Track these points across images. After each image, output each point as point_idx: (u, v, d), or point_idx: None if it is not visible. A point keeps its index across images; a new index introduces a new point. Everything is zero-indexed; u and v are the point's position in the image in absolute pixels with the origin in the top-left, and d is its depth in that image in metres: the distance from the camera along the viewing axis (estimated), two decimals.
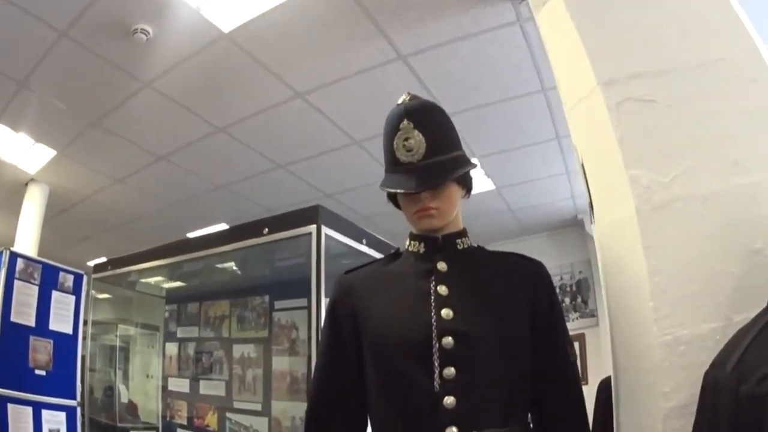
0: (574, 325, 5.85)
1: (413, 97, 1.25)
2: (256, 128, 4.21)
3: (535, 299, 1.25)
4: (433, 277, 1.23)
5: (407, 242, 1.33)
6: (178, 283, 3.66)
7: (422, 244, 1.28)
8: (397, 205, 1.33)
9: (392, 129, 1.22)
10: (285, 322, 2.85)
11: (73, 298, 3.85)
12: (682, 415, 1.07)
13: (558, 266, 6.10)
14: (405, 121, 1.20)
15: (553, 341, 1.26)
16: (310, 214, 2.35)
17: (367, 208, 5.41)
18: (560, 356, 1.27)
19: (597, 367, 5.49)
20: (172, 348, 3.44)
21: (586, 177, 1.43)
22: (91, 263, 6.10)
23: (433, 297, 1.20)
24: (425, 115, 1.23)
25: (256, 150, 4.55)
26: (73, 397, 3.84)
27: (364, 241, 2.68)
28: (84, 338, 3.88)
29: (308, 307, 2.68)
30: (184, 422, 3.27)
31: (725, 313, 1.10)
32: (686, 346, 1.10)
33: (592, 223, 1.50)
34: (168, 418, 3.39)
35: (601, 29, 1.32)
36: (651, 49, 1.27)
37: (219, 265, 3.28)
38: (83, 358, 3.89)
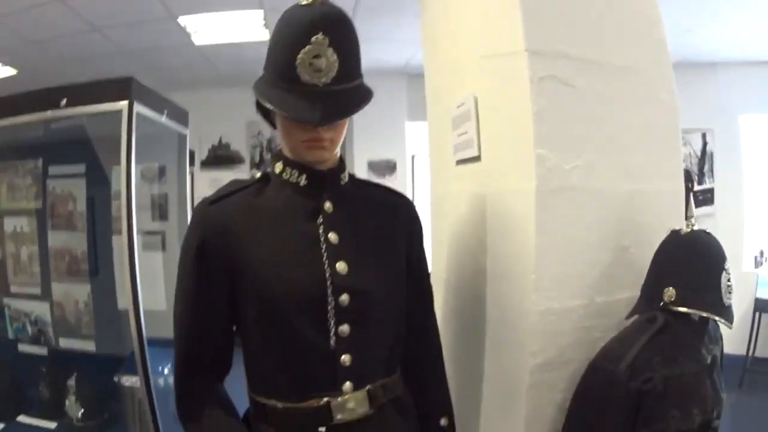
0: None
1: (325, 1, 1.02)
2: None
3: (409, 242, 1.24)
4: (321, 220, 1.11)
5: (278, 166, 1.15)
6: None
7: (304, 177, 1.12)
8: (265, 116, 1.15)
9: (298, 39, 0.99)
10: (61, 191, 2.49)
11: None
12: (544, 370, 1.25)
13: None
14: (320, 35, 0.98)
15: (420, 281, 1.28)
16: (122, 89, 1.94)
17: None
18: (425, 295, 1.30)
19: None
20: None
21: (478, 125, 1.42)
22: None
23: (324, 246, 1.10)
24: (344, 31, 1.03)
25: None
26: None
27: (165, 112, 2.38)
28: None
29: (87, 175, 2.43)
30: None
31: (589, 294, 1.27)
32: (556, 317, 1.24)
33: (477, 156, 1.48)
34: None
35: None
36: (585, 34, 1.28)
37: None
38: None
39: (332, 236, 1.10)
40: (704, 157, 4.72)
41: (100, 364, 2.45)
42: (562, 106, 1.24)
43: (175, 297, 1.15)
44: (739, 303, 3.69)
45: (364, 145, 5.79)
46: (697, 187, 4.73)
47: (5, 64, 4.72)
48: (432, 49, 1.88)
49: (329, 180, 1.14)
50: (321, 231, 1.10)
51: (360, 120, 5.71)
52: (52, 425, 2.44)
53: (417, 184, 6.28)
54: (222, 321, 1.14)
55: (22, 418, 2.50)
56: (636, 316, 1.21)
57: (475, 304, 1.45)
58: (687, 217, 1.23)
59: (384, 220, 1.20)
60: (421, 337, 1.29)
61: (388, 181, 5.74)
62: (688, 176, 4.72)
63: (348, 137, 5.02)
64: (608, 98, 1.28)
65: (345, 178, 1.18)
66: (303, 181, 1.12)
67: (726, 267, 1.13)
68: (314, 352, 1.08)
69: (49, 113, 2.03)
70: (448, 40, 1.70)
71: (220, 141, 6.35)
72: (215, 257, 1.09)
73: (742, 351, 4.37)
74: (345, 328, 1.08)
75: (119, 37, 4.37)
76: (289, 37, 1.01)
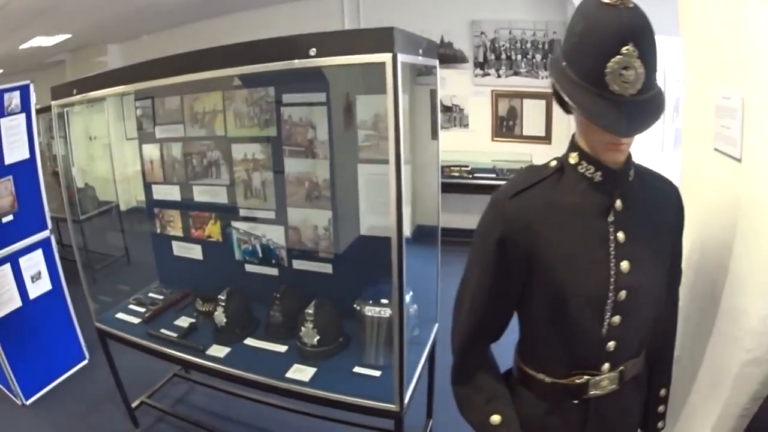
0: (544, 83, 5.77)
1: (633, 5, 0.99)
2: None
3: (675, 231, 1.31)
4: (611, 218, 1.17)
5: (573, 157, 1.19)
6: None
7: (599, 173, 1.16)
8: (559, 99, 1.15)
9: (608, 48, 0.99)
10: (298, 119, 2.44)
11: (22, 116, 3.31)
12: (754, 365, 1.32)
13: (532, 22, 5.74)
14: (630, 46, 0.97)
15: (675, 267, 1.34)
16: (384, 40, 1.74)
17: None
18: (677, 278, 1.39)
19: (561, 128, 5.64)
20: (151, 151, 2.89)
21: (743, 129, 1.38)
22: None
23: (612, 245, 1.17)
24: (650, 41, 1.01)
25: None
26: (45, 227, 3.56)
27: (420, 51, 2.19)
28: None
29: (328, 104, 2.36)
30: (179, 233, 2.91)
31: None
32: None
33: (738, 159, 1.44)
34: (159, 230, 2.99)
35: None
36: None
37: None
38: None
39: (620, 235, 1.17)
40: None
41: (336, 288, 2.48)
42: None
43: (468, 274, 1.27)
44: None
45: None
46: None
47: None
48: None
49: (621, 177, 1.17)
50: (611, 230, 1.17)
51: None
52: (282, 349, 2.44)
53: None
54: (510, 303, 1.27)
55: (249, 341, 2.51)
56: None
57: (709, 297, 1.50)
58: None
59: (661, 215, 1.25)
60: (668, 319, 1.40)
61: None
62: None
63: None
64: None
65: (632, 174, 1.20)
66: (598, 177, 1.16)
67: None
68: (586, 338, 1.20)
69: (296, 62, 1.87)
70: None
71: (442, 40, 6.03)
72: (514, 251, 1.18)
73: None
74: (616, 319, 1.18)
75: None
76: (597, 40, 1.01)
